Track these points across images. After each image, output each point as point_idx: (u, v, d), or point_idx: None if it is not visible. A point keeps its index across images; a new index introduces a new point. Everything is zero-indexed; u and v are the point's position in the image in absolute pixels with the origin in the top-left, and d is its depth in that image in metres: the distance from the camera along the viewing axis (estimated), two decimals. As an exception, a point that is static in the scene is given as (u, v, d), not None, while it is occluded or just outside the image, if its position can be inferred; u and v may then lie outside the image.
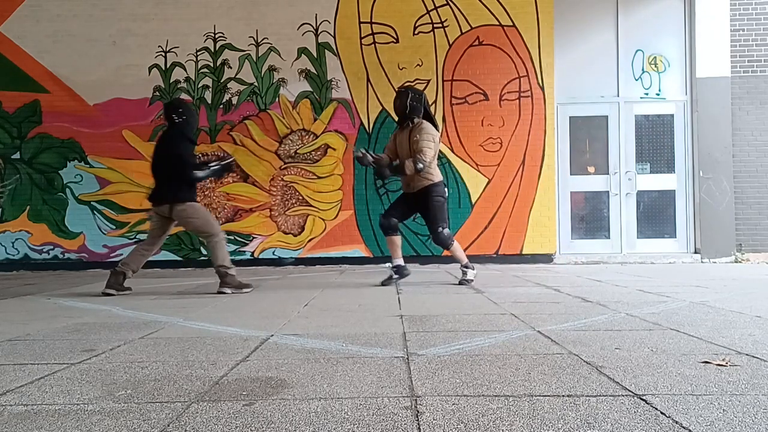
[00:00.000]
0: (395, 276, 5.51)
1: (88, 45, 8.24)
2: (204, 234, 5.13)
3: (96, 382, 2.18)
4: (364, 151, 5.42)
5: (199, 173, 5.03)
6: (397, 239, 5.52)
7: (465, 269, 5.51)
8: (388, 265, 7.96)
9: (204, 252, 8.17)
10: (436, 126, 5.41)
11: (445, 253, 8.05)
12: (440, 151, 8.09)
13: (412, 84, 7.96)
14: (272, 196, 8.21)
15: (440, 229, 5.33)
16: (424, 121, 5.33)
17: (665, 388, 1.97)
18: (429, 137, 5.22)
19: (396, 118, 5.61)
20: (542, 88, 8.15)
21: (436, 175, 5.38)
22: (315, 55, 8.24)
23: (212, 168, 5.12)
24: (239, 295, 4.99)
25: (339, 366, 2.35)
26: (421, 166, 5.17)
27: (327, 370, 2.29)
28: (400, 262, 5.51)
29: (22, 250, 8.20)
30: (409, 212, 5.61)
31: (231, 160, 5.37)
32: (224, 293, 5.02)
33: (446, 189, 5.52)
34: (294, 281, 6.19)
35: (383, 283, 5.50)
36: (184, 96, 8.21)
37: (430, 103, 5.63)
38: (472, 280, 5.48)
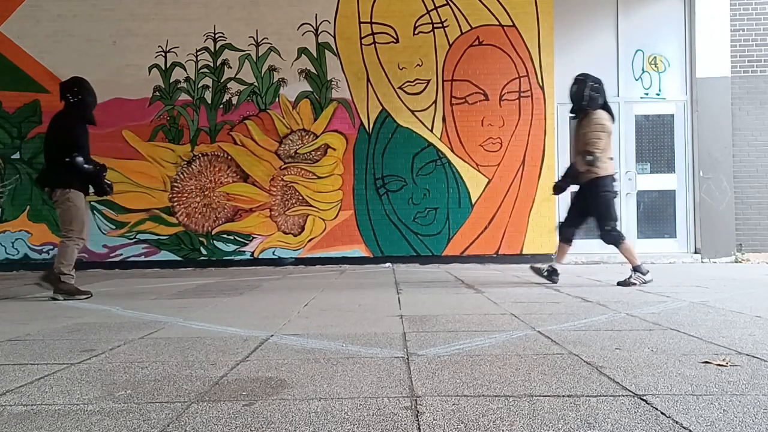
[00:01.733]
0: (545, 274, 5.35)
1: (88, 45, 8.23)
2: (63, 228, 4.81)
3: (96, 382, 2.18)
4: (562, 186, 5.34)
5: (80, 158, 4.67)
6: (568, 247, 5.34)
7: (633, 272, 5.09)
8: (387, 265, 7.99)
9: (204, 252, 8.18)
10: (611, 114, 5.09)
11: (444, 252, 8.08)
12: (440, 150, 8.17)
13: (411, 82, 7.96)
14: (272, 196, 8.20)
15: (608, 227, 5.05)
16: (596, 111, 5.01)
17: (665, 388, 1.97)
18: (598, 128, 4.95)
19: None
20: (542, 88, 8.15)
21: (604, 169, 5.04)
22: (315, 55, 8.24)
23: (95, 170, 4.79)
24: (239, 295, 4.98)
25: (339, 366, 2.35)
26: (590, 158, 4.93)
27: (327, 370, 2.29)
28: (559, 268, 5.35)
29: (22, 250, 8.20)
30: (583, 210, 5.27)
31: (108, 184, 4.98)
32: (56, 299, 4.67)
33: (615, 184, 5.23)
34: (294, 281, 6.18)
35: (532, 268, 5.39)
36: (184, 96, 8.22)
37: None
38: (635, 284, 5.02)
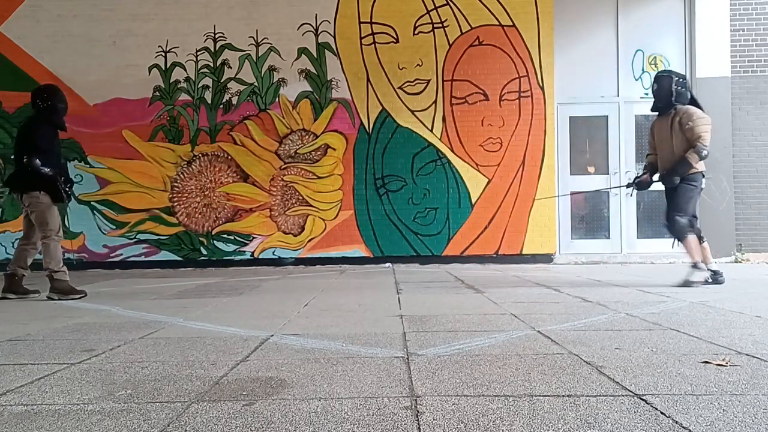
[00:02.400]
0: (709, 280, 4.99)
1: (88, 45, 8.23)
2: (40, 230, 4.82)
3: (96, 382, 2.18)
4: (636, 179, 5.19)
5: (36, 161, 4.64)
6: (706, 244, 5.05)
7: (693, 269, 4.91)
8: (387, 265, 7.99)
9: (204, 252, 8.18)
10: (701, 110, 5.00)
11: (444, 252, 8.08)
12: (440, 150, 8.18)
13: (411, 82, 7.97)
14: (272, 196, 8.21)
15: (677, 216, 4.87)
16: (691, 107, 4.93)
17: (665, 388, 1.97)
18: (705, 121, 4.87)
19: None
20: (542, 88, 8.15)
21: (701, 165, 4.94)
22: (315, 55, 8.24)
23: (51, 174, 4.74)
24: (239, 295, 4.98)
25: (339, 366, 2.35)
26: (706, 153, 4.82)
27: (327, 370, 2.29)
28: (715, 267, 5.08)
29: (22, 250, 8.19)
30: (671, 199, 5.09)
31: (67, 192, 4.88)
32: (51, 299, 4.74)
33: (704, 180, 5.07)
34: (294, 281, 6.18)
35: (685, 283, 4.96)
36: (184, 96, 8.22)
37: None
38: (696, 282, 4.84)
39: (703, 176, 5.06)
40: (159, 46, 8.24)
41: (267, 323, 3.42)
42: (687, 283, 4.90)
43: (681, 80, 4.99)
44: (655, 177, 5.26)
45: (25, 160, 4.68)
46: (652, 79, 5.19)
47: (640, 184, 5.35)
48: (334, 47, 8.23)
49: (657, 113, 5.21)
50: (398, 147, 8.17)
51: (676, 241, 5.02)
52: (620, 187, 5.72)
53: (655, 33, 8.36)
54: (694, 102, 5.03)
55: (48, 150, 4.78)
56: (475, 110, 8.17)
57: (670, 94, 4.96)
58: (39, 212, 4.79)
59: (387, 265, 8.01)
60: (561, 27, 8.22)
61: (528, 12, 8.17)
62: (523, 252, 8.11)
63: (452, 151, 8.17)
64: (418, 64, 8.18)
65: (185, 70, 8.25)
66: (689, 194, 4.95)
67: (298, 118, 8.22)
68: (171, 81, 8.24)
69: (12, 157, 5.35)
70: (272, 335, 3.04)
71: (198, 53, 8.26)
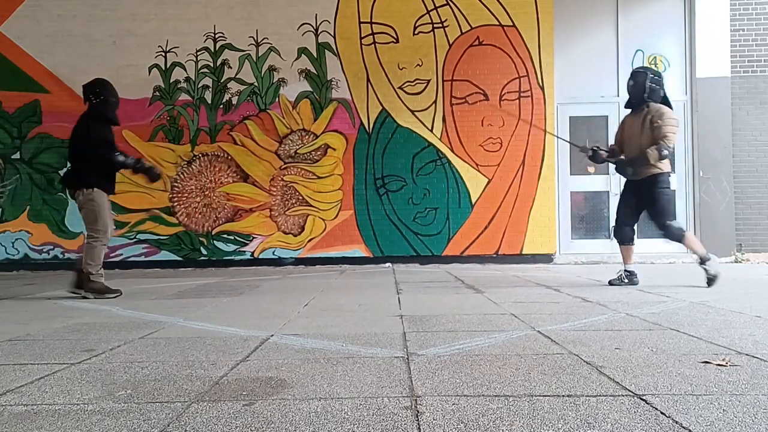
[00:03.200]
0: (625, 280, 5.13)
1: (88, 45, 8.24)
2: (88, 228, 4.84)
3: (96, 382, 2.18)
4: (595, 148, 5.14)
5: (120, 157, 4.77)
6: (632, 247, 5.18)
7: (704, 265, 4.87)
8: (387, 265, 7.99)
9: (204, 252, 8.18)
10: (672, 109, 5.00)
11: (444, 252, 8.08)
12: (440, 150, 8.18)
13: (411, 82, 7.96)
14: (272, 196, 8.21)
15: (669, 222, 4.90)
16: (663, 106, 4.93)
17: (665, 388, 1.97)
18: (673, 122, 4.84)
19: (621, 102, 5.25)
20: (542, 88, 8.15)
21: (666, 165, 4.95)
22: (315, 55, 8.24)
23: (135, 159, 4.88)
24: (239, 295, 4.98)
25: (339, 366, 2.35)
26: (666, 152, 4.82)
27: (327, 370, 2.29)
28: (633, 268, 5.17)
29: (22, 250, 8.20)
30: (638, 209, 5.12)
31: (157, 170, 5.06)
32: (87, 298, 4.74)
33: (671, 180, 5.11)
34: (294, 281, 6.18)
35: (610, 282, 5.18)
36: (184, 96, 8.22)
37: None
38: (716, 276, 4.81)
39: (670, 176, 5.07)
40: (159, 46, 8.25)
41: (267, 323, 3.42)
42: (712, 280, 4.83)
43: (656, 77, 4.99)
44: (612, 160, 5.26)
45: (108, 156, 4.71)
46: (629, 75, 5.16)
47: (595, 154, 5.30)
48: (334, 47, 8.23)
49: (630, 109, 5.20)
50: (398, 147, 8.17)
51: (676, 243, 5.07)
52: (575, 145, 5.73)
53: (655, 33, 8.36)
54: (666, 101, 5.03)
55: (113, 141, 4.84)
56: (475, 110, 8.17)
57: (644, 90, 4.96)
58: (89, 210, 4.79)
59: (387, 265, 8.01)
60: (561, 27, 8.23)
61: (528, 12, 8.17)
62: (523, 252, 8.11)
63: (452, 151, 8.17)
64: (418, 64, 8.18)
65: (185, 70, 8.25)
66: (668, 198, 5.01)
67: (298, 118, 8.22)
68: (171, 81, 8.24)
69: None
70: (272, 335, 3.04)
71: (198, 53, 8.26)
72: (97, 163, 4.75)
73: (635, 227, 5.25)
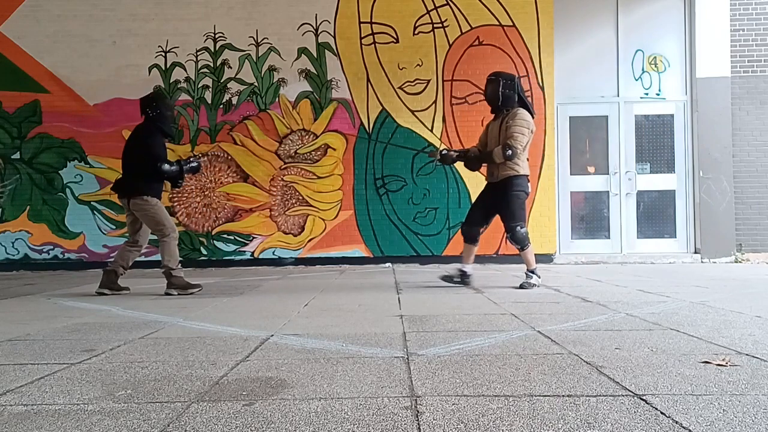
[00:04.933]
0: (456, 279, 5.23)
1: (88, 45, 8.24)
2: (156, 231, 5.02)
3: (96, 382, 2.18)
4: (443, 151, 5.21)
5: (166, 166, 4.95)
6: (475, 248, 5.26)
7: (530, 274, 5.10)
8: (387, 265, 7.99)
9: (204, 252, 8.18)
10: (531, 113, 5.05)
11: (444, 252, 8.07)
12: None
13: (411, 82, 7.96)
14: (272, 196, 8.21)
15: (517, 227, 4.97)
16: (520, 109, 4.97)
17: (665, 388, 1.97)
18: (522, 123, 4.89)
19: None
20: (542, 88, 8.15)
21: (522, 168, 4.99)
22: (315, 55, 8.24)
23: (181, 164, 5.06)
24: (239, 295, 4.98)
25: (339, 366, 2.35)
26: (510, 152, 4.84)
27: (327, 370, 2.29)
28: (468, 269, 5.23)
29: (22, 250, 8.21)
30: (491, 210, 5.17)
31: (199, 160, 5.30)
32: (171, 295, 4.91)
33: (529, 185, 5.17)
34: (294, 281, 6.18)
35: (443, 278, 5.29)
36: (184, 96, 8.22)
37: (524, 89, 5.21)
38: (531, 286, 5.02)
39: (528, 180, 5.11)
40: (159, 46, 8.25)
41: (267, 323, 3.42)
42: (525, 286, 5.01)
43: (508, 83, 5.01)
44: (463, 159, 5.29)
45: (160, 167, 4.91)
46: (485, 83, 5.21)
47: (444, 156, 5.31)
48: (334, 47, 8.24)
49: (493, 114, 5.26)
50: (398, 147, 8.17)
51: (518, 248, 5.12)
52: (425, 152, 5.73)
53: (655, 33, 8.36)
54: (523, 103, 5.04)
55: (163, 156, 5.03)
56: (475, 110, 8.17)
57: (497, 99, 5.02)
58: (150, 215, 4.98)
59: (387, 265, 8.01)
60: (561, 27, 8.23)
61: (528, 12, 8.17)
62: (523, 252, 8.09)
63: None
64: (418, 64, 8.19)
65: (185, 70, 8.26)
66: (519, 201, 5.02)
67: (298, 118, 8.22)
68: (171, 81, 8.24)
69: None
70: (272, 335, 3.04)
71: (198, 53, 8.26)
72: (149, 174, 4.96)
73: (482, 229, 5.28)
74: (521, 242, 5.04)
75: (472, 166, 5.27)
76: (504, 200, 5.02)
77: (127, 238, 5.29)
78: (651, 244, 8.33)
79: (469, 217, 5.29)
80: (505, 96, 4.99)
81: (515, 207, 4.99)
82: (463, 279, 5.24)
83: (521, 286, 5.04)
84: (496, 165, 5.02)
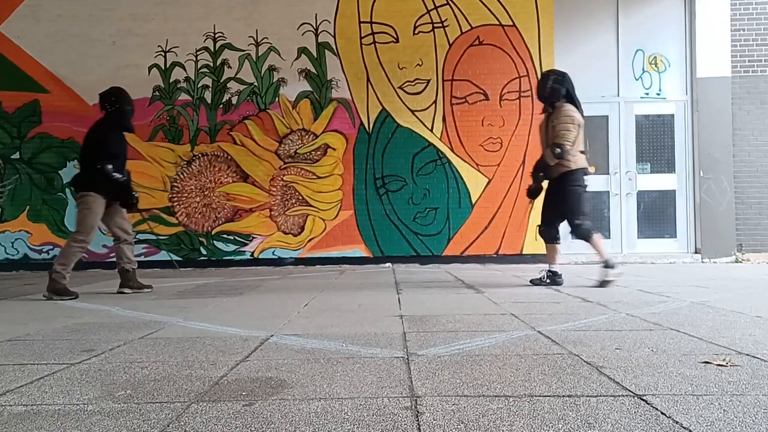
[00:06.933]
0: (547, 281, 5.18)
1: (88, 45, 8.23)
2: (76, 229, 4.91)
3: (96, 382, 2.18)
4: (530, 189, 5.20)
5: (109, 166, 4.79)
6: (557, 246, 5.20)
7: (605, 268, 4.94)
8: (387, 265, 7.98)
9: (204, 252, 8.18)
10: (580, 109, 4.99)
11: (444, 252, 8.08)
12: (440, 150, 8.17)
13: (411, 82, 7.97)
14: (272, 196, 8.21)
15: (578, 222, 4.90)
16: (565, 104, 4.94)
17: (665, 388, 1.97)
18: (566, 119, 4.85)
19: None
20: (542, 88, 8.14)
21: (575, 162, 4.93)
22: (315, 55, 8.24)
23: (124, 180, 4.94)
24: (239, 295, 4.98)
25: (339, 366, 2.35)
26: (559, 151, 4.81)
27: (327, 370, 2.29)
28: (557, 269, 5.18)
29: (21, 250, 8.20)
30: (558, 206, 5.08)
31: (135, 200, 5.11)
32: (47, 297, 4.74)
33: (586, 178, 5.06)
34: (294, 281, 6.18)
35: (533, 282, 5.23)
36: (184, 96, 8.22)
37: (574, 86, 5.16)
38: (609, 282, 4.89)
39: (585, 173, 5.04)
40: (159, 46, 8.24)
41: (267, 323, 3.42)
42: (603, 284, 4.93)
43: (558, 78, 5.02)
44: (538, 180, 5.22)
45: (98, 166, 4.80)
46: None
47: (534, 191, 5.29)
48: (334, 47, 8.23)
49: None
50: (398, 147, 8.17)
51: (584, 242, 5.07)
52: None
53: (655, 33, 8.36)
54: (571, 100, 5.01)
55: (118, 154, 4.95)
56: (475, 110, 8.17)
57: (545, 92, 5.03)
58: (79, 211, 4.91)
59: (387, 265, 8.00)
60: (561, 27, 8.23)
61: (528, 11, 8.17)
62: (523, 252, 8.11)
63: (452, 151, 8.17)
64: (418, 64, 8.18)
65: (185, 70, 8.25)
66: (577, 196, 4.97)
67: (298, 118, 8.22)
68: (171, 81, 8.24)
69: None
70: (272, 335, 3.03)
71: (198, 53, 8.26)
72: (97, 171, 4.85)
73: (558, 226, 5.23)
74: (585, 237, 4.98)
75: (534, 177, 5.18)
76: (561, 197, 4.99)
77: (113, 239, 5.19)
78: (651, 244, 8.33)
79: (542, 218, 5.26)
80: (552, 90, 4.99)
81: (573, 202, 4.95)
82: (554, 279, 5.17)
83: (600, 285, 4.90)
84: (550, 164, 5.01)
